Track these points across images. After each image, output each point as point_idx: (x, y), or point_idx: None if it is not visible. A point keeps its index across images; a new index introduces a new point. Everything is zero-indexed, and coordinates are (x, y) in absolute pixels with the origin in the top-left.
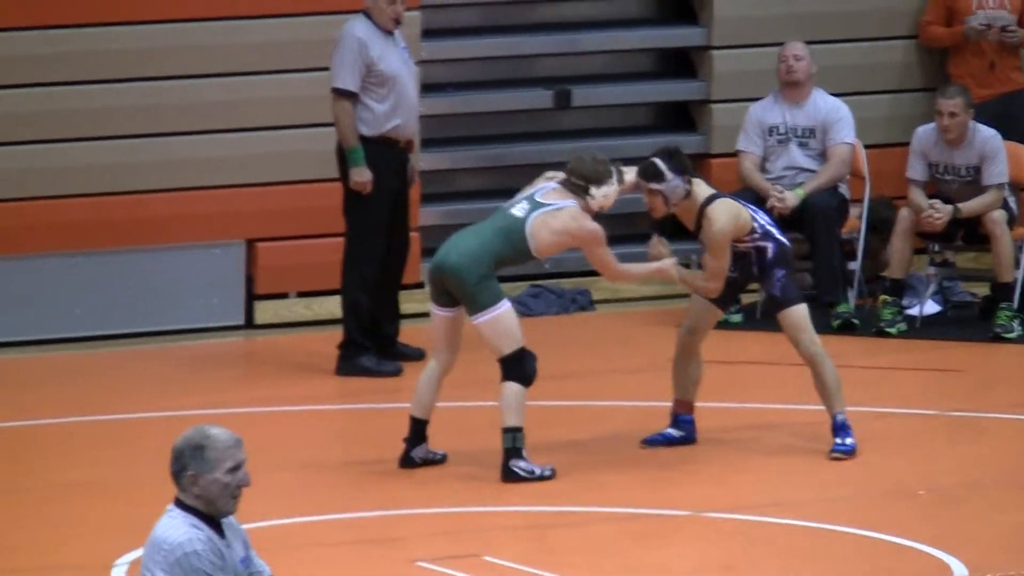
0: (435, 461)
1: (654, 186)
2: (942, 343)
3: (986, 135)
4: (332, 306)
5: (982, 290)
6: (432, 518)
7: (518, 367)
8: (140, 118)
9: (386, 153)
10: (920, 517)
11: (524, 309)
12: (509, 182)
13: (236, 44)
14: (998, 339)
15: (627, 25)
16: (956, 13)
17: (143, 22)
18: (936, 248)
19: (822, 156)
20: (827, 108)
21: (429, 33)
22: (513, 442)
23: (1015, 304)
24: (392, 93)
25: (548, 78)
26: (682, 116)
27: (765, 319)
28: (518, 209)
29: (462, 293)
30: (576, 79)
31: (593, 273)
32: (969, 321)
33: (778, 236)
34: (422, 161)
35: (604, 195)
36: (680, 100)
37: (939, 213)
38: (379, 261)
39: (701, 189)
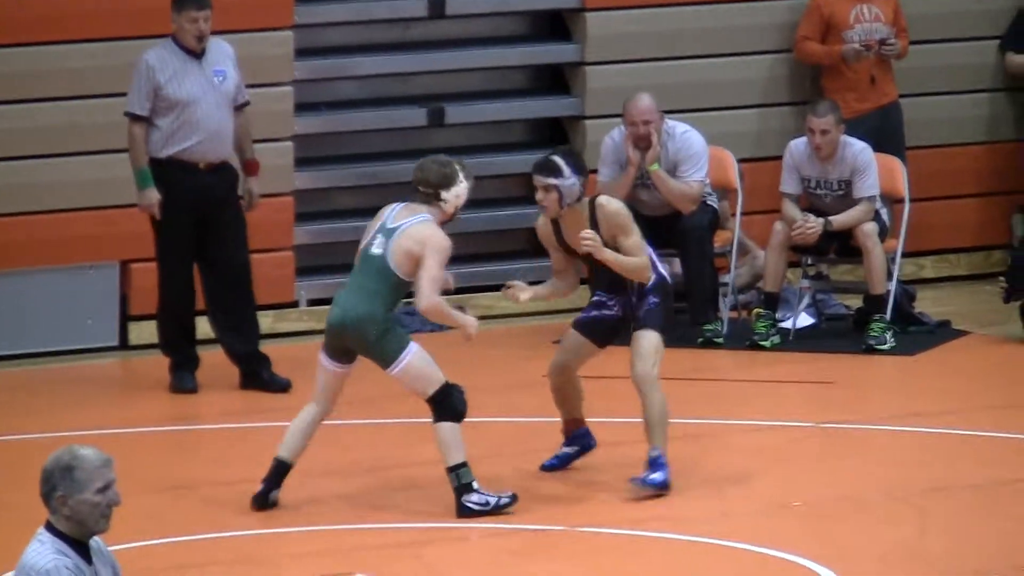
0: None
1: (551, 181)
2: (816, 355)
3: (856, 148)
4: (207, 327)
5: (855, 302)
6: (306, 536)
7: (447, 405)
8: (11, 140)
9: (178, 175)
10: (798, 530)
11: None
12: (384, 200)
13: (107, 65)
14: (871, 351)
15: (500, 42)
16: (833, 28)
17: (13, 45)
18: (809, 261)
19: None
20: (676, 146)
21: (302, 52)
22: (459, 479)
23: (887, 316)
24: (182, 116)
25: (422, 96)
26: (556, 132)
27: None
28: (377, 246)
29: (366, 351)
30: (450, 96)
31: (468, 290)
32: (842, 333)
33: (661, 270)
34: (297, 180)
35: (456, 195)
36: (554, 116)
37: (811, 224)
38: (180, 282)
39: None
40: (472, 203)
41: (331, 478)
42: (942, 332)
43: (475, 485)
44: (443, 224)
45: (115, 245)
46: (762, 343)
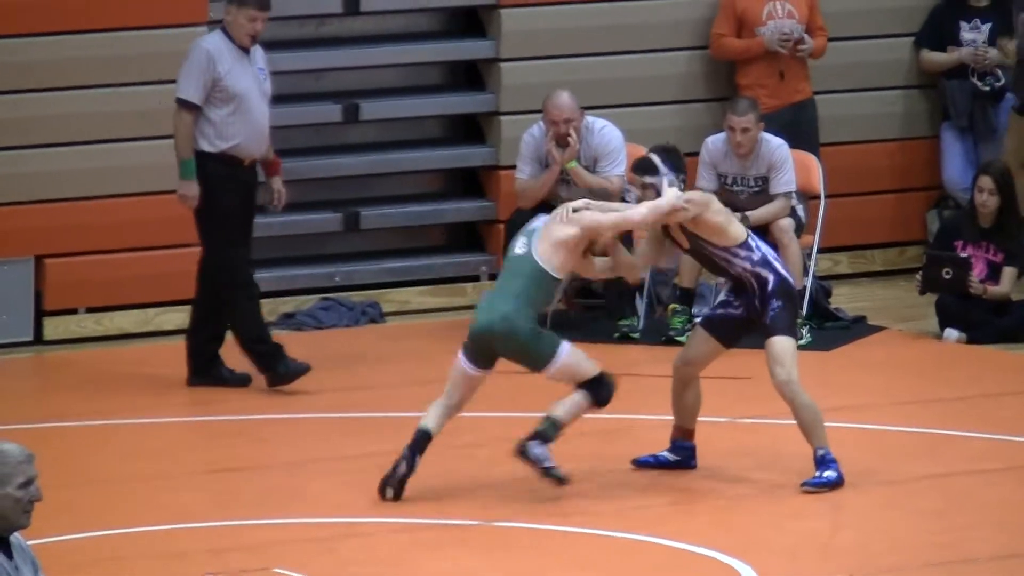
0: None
1: (648, 180)
2: (731, 351)
3: (773, 145)
4: (122, 322)
5: None
6: (222, 531)
7: (595, 388)
8: None
9: (227, 170)
10: (709, 524)
11: (314, 322)
12: (299, 196)
13: (27, 61)
14: None
15: (416, 39)
16: (746, 24)
17: None
18: None
19: None
20: (595, 141)
21: None
22: (545, 426)
23: (803, 311)
24: (237, 111)
25: (336, 92)
26: (471, 129)
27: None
28: (520, 246)
29: (518, 354)
30: (365, 93)
31: (383, 285)
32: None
33: (780, 270)
34: None
35: None
36: (469, 113)
37: None
38: (245, 267)
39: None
40: (387, 199)
41: (247, 472)
42: (857, 327)
43: (551, 446)
44: None
45: (29, 240)
46: (678, 338)
